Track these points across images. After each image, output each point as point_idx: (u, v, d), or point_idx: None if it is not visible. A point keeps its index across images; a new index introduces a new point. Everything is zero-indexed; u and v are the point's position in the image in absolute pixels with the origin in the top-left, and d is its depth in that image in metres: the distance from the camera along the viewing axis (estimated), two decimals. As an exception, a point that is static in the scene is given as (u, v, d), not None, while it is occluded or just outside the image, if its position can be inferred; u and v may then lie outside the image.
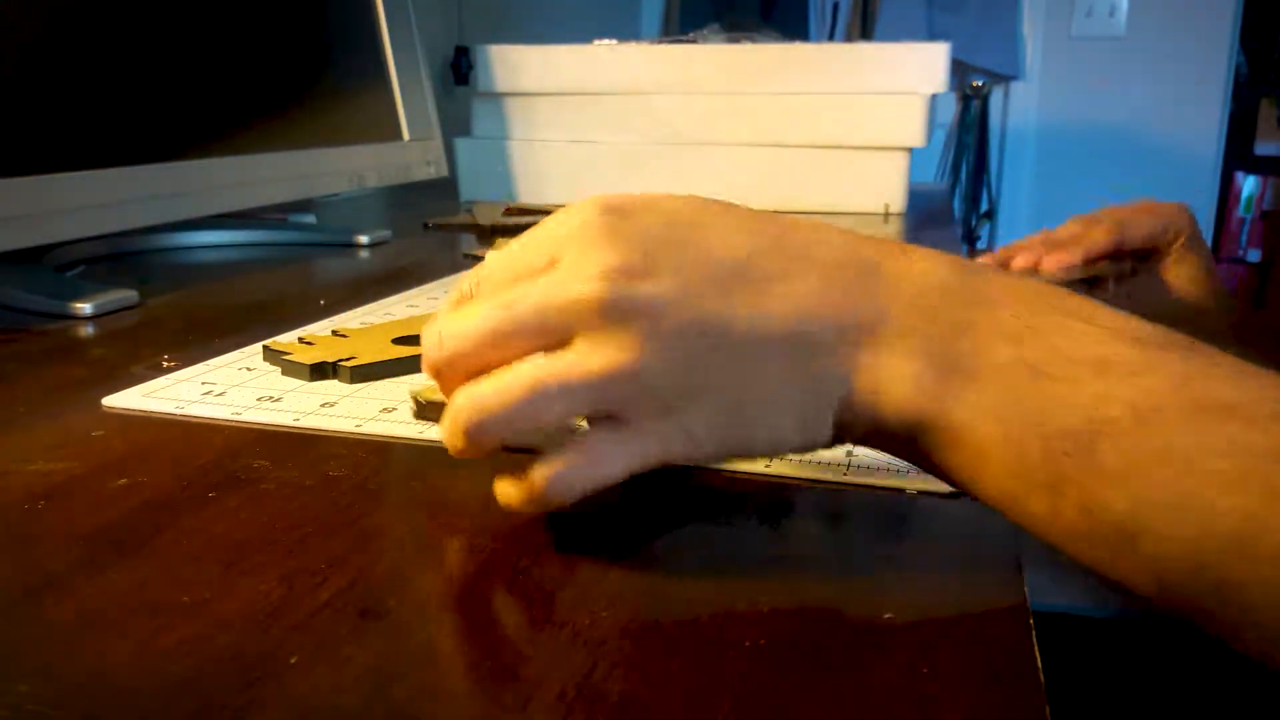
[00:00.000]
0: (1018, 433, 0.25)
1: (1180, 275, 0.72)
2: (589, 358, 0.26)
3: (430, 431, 0.38)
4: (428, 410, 0.37)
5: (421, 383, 0.39)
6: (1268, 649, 0.22)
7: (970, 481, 0.27)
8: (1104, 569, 0.25)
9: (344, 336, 0.49)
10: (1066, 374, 0.25)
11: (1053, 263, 0.67)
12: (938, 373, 0.26)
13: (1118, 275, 0.72)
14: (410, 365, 0.44)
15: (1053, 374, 0.25)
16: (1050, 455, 0.25)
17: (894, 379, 0.27)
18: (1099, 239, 0.69)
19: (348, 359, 0.44)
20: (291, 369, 0.44)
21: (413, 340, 0.48)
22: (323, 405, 0.40)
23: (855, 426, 0.28)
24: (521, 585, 0.27)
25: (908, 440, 0.28)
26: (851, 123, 1.07)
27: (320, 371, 0.44)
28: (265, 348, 0.47)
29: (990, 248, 2.35)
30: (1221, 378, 0.25)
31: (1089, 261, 0.68)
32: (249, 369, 0.46)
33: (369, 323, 0.54)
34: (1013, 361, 0.26)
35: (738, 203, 0.31)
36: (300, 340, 0.48)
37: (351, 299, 0.60)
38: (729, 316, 0.27)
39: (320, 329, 0.53)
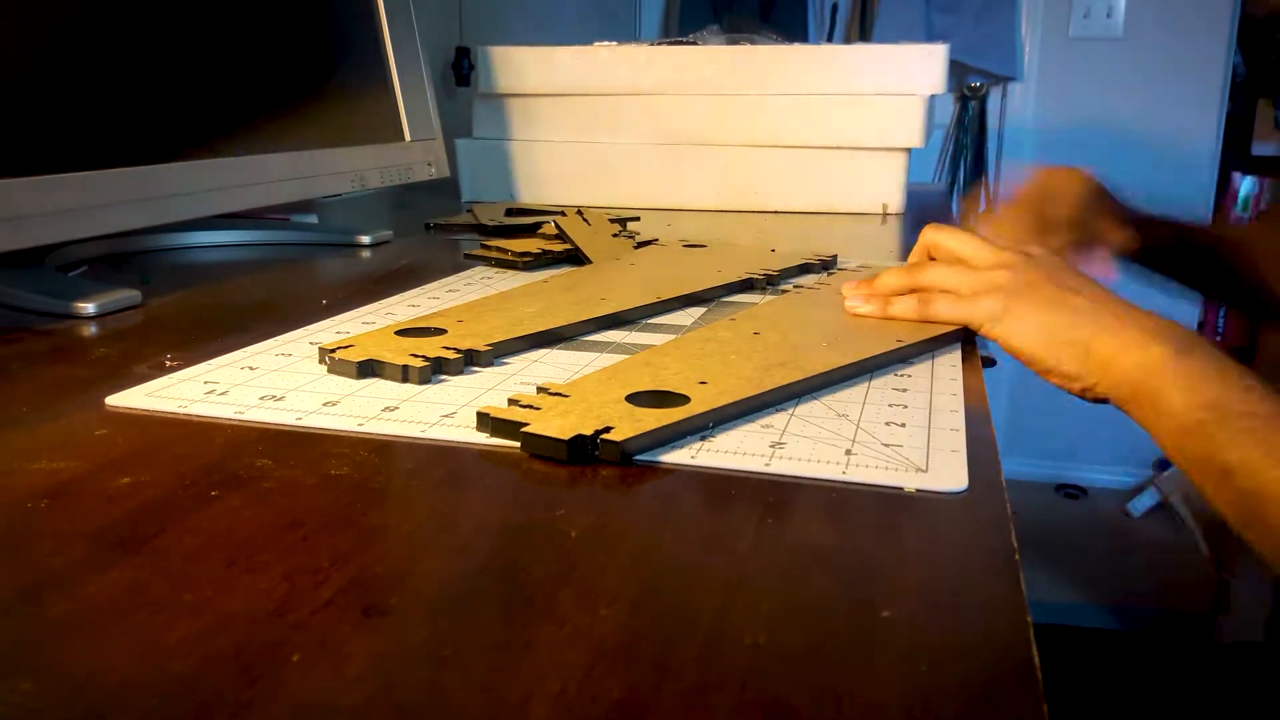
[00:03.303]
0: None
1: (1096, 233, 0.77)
2: None
3: (431, 431, 0.38)
4: (499, 427, 0.37)
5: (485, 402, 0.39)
6: None
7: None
8: None
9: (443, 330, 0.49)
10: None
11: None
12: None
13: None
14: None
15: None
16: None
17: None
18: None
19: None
20: (392, 371, 0.44)
21: (416, 332, 0.49)
22: (325, 404, 0.41)
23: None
24: (522, 584, 0.27)
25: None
26: (850, 123, 1.07)
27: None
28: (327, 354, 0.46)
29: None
30: None
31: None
32: (251, 368, 0.46)
33: (372, 323, 0.55)
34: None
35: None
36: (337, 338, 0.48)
37: (353, 299, 0.61)
38: None
39: (323, 329, 0.53)
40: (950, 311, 0.52)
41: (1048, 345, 0.48)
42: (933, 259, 0.57)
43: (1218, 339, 2.36)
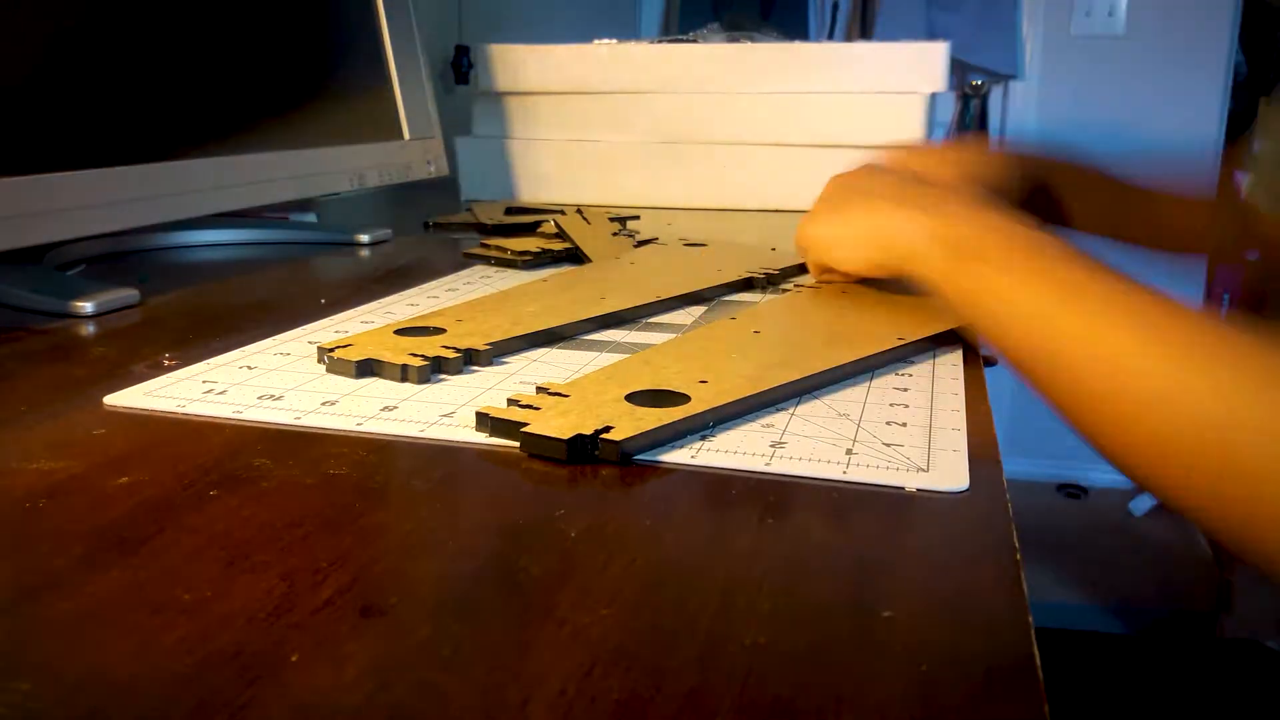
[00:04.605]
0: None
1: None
2: None
3: (430, 431, 0.38)
4: (498, 427, 0.37)
5: (486, 403, 0.39)
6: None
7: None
8: None
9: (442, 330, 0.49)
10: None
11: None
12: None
13: None
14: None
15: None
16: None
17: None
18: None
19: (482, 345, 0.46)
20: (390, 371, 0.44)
21: (415, 331, 0.48)
22: (323, 404, 0.40)
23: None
24: (522, 584, 0.27)
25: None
26: (851, 122, 1.07)
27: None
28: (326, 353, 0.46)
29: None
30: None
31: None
32: (250, 367, 0.46)
33: (370, 321, 0.54)
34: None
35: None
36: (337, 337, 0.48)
37: (352, 298, 0.61)
38: None
39: (321, 328, 0.53)
40: (798, 234, 0.59)
41: (848, 244, 0.54)
42: None
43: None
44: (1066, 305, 0.39)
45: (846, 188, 0.57)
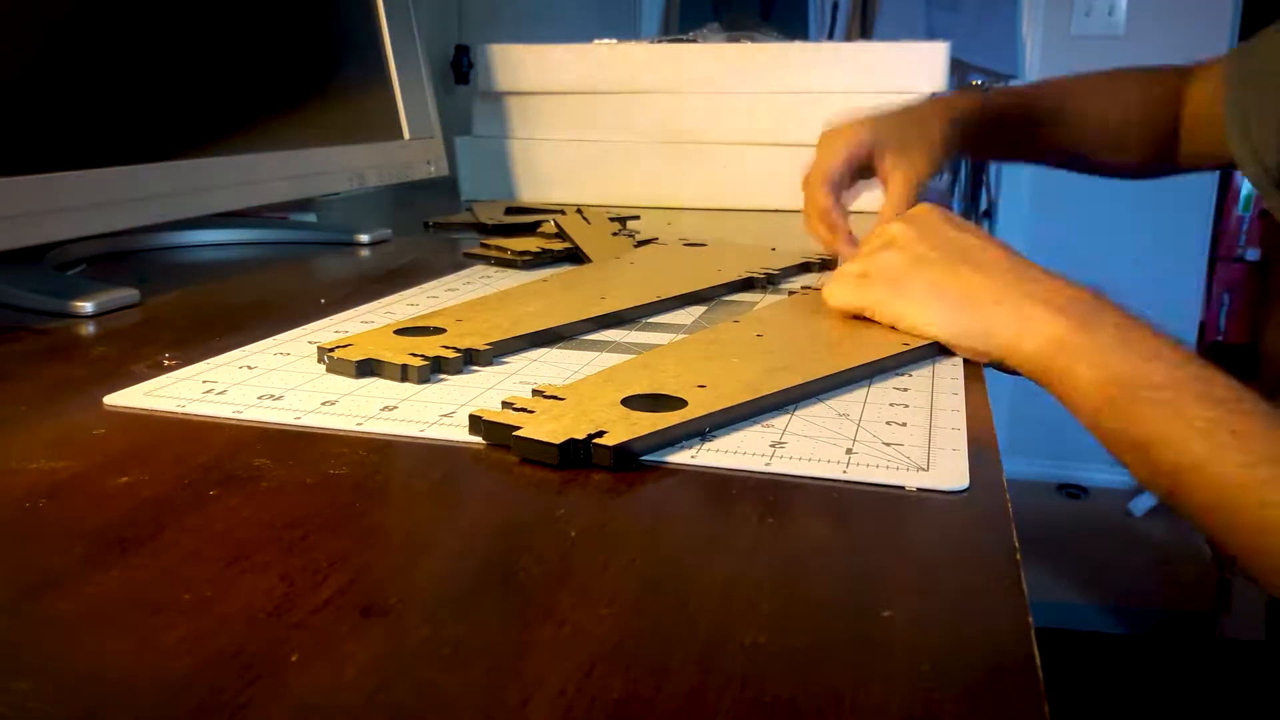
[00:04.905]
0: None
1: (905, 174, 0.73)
2: None
3: (430, 431, 0.38)
4: (491, 430, 0.37)
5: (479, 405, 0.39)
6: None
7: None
8: None
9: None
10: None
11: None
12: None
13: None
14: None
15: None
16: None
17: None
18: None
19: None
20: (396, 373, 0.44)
21: (415, 331, 0.48)
22: (323, 403, 0.40)
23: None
24: (522, 583, 0.27)
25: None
26: (851, 122, 1.07)
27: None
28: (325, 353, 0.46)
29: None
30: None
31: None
32: (250, 367, 0.46)
33: (370, 321, 0.54)
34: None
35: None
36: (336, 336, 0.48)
37: (352, 298, 0.61)
38: None
39: (321, 328, 0.53)
40: (842, 298, 0.52)
41: (946, 329, 0.48)
42: None
43: (1219, 338, 2.36)
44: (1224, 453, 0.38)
45: (929, 244, 0.50)
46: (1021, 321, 0.45)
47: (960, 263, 0.49)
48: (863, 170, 0.74)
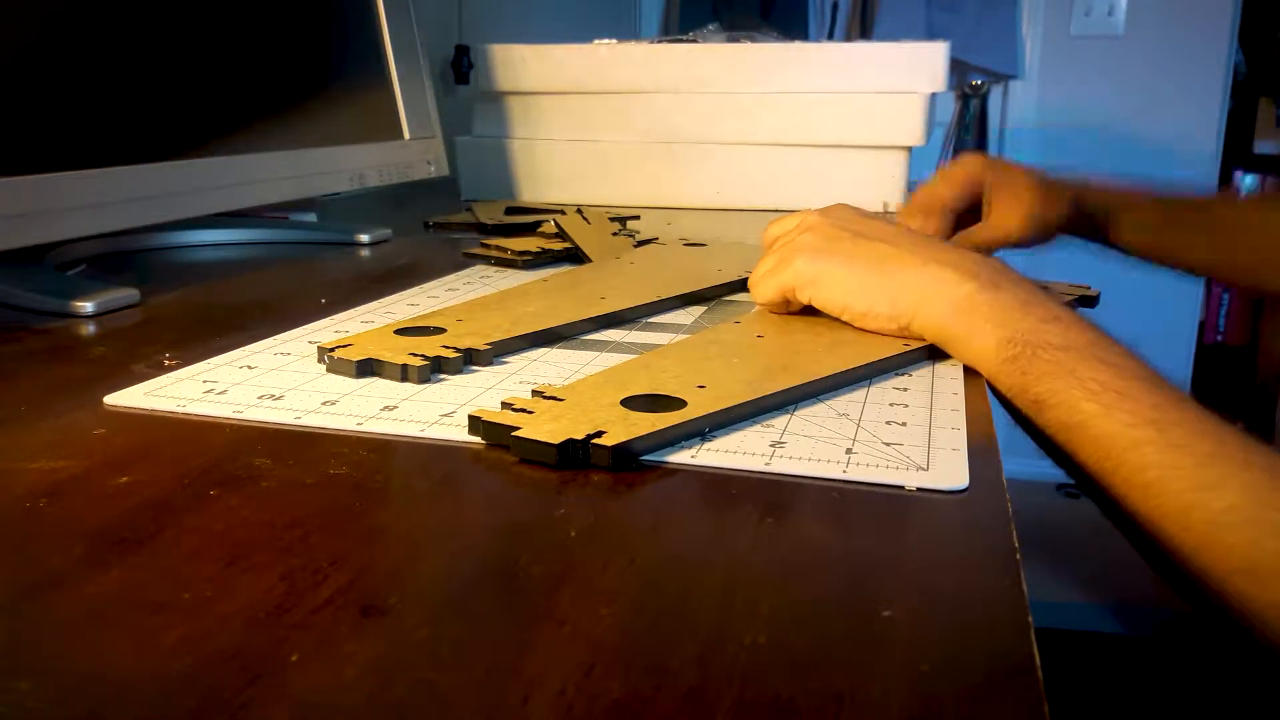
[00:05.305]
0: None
1: (1014, 211, 0.76)
2: None
3: (430, 431, 0.38)
4: (490, 431, 0.37)
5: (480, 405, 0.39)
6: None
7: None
8: None
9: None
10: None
11: None
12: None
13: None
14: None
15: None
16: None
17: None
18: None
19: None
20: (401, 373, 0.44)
21: (415, 331, 0.48)
22: (324, 403, 0.41)
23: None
24: (522, 583, 0.27)
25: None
26: (851, 122, 1.07)
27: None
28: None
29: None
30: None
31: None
32: (250, 367, 0.46)
33: (370, 321, 0.54)
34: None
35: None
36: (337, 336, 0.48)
37: (353, 297, 0.61)
38: None
39: (322, 328, 0.53)
40: (768, 291, 0.53)
41: (858, 294, 0.49)
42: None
43: (1219, 338, 2.36)
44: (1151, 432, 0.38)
45: (839, 225, 0.53)
46: (930, 283, 0.47)
47: (870, 238, 0.51)
48: (975, 208, 0.78)
